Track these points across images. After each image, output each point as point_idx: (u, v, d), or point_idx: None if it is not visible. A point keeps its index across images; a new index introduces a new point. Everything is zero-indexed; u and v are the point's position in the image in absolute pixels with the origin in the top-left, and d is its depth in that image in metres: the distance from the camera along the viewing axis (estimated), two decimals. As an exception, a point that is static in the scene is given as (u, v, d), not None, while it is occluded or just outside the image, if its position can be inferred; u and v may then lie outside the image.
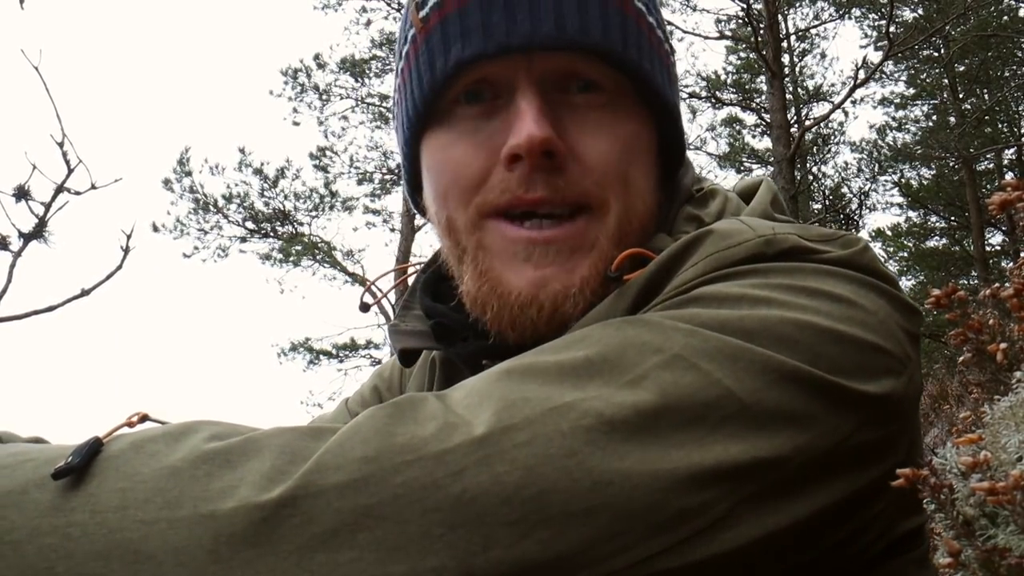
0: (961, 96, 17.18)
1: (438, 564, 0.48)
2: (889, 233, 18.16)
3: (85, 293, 2.32)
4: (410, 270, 0.98)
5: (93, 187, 2.32)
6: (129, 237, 2.39)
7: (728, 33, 14.11)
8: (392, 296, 1.03)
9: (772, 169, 12.36)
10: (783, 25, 14.45)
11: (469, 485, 0.50)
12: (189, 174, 14.71)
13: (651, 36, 0.77)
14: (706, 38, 13.42)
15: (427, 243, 15.27)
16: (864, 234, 16.78)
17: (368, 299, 0.96)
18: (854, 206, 14.48)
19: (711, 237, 0.68)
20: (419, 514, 0.49)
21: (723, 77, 16.30)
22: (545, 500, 0.50)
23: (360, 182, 15.63)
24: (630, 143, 0.75)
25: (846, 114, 16.42)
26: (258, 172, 15.00)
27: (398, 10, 13.76)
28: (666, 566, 0.52)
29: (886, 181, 17.09)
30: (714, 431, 0.54)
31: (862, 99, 16.71)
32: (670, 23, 13.17)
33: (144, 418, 0.64)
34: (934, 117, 17.74)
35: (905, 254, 18.40)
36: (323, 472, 0.50)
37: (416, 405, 0.55)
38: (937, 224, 18.06)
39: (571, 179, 0.72)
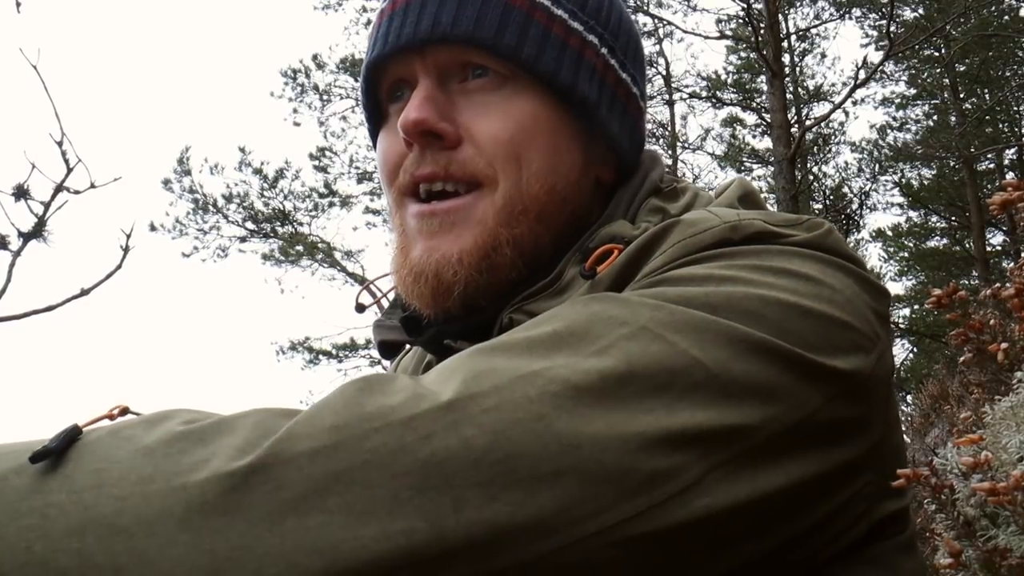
0: (962, 96, 17.15)
1: (407, 526, 0.49)
2: (890, 233, 18.15)
3: (84, 293, 2.32)
4: None
5: (92, 186, 2.32)
6: (128, 237, 2.39)
7: (728, 33, 14.11)
8: (392, 296, 1.05)
9: (772, 169, 12.36)
10: (783, 25, 14.42)
11: (437, 449, 0.51)
12: (188, 174, 14.70)
13: (550, 25, 0.80)
14: (706, 38, 13.43)
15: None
16: (865, 234, 16.80)
17: (364, 300, 0.99)
18: (854, 206, 14.46)
19: (679, 226, 0.71)
20: (388, 478, 0.49)
21: (723, 77, 16.29)
22: (514, 463, 0.51)
23: (360, 181, 15.63)
24: (522, 123, 0.79)
25: (846, 114, 16.39)
26: (258, 172, 14.98)
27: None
28: (639, 531, 0.52)
29: (886, 181, 17.06)
30: (681, 398, 0.55)
31: (863, 99, 16.66)
32: (670, 23, 13.18)
33: (124, 411, 0.64)
34: (934, 117, 17.71)
35: (906, 254, 18.38)
36: (293, 440, 0.50)
37: (386, 380, 0.56)
38: (938, 224, 18.04)
39: (464, 158, 0.78)
